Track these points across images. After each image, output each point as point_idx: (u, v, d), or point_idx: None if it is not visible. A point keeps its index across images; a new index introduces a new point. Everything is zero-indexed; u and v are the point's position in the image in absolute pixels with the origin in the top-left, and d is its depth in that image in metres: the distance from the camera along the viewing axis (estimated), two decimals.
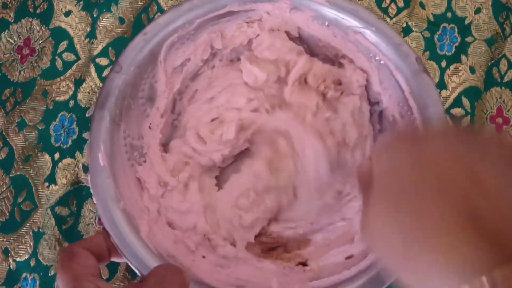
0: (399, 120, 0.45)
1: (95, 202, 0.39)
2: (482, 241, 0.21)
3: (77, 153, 0.52)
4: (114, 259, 0.37)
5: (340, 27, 0.46)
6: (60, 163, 0.51)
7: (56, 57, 0.54)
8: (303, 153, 0.44)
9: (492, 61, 0.54)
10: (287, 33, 0.49)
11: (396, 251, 0.24)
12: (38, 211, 0.50)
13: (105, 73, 0.54)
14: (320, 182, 0.44)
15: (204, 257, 0.42)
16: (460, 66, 0.54)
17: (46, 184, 0.51)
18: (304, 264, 0.43)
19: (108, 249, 0.36)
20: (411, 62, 0.43)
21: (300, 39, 0.50)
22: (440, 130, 0.26)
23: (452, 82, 0.53)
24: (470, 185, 0.23)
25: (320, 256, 0.43)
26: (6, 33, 0.55)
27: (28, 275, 0.49)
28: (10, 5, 0.56)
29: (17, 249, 0.49)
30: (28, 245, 0.49)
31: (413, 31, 0.55)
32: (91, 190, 0.39)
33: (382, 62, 0.45)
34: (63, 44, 0.55)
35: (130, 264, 0.37)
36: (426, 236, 0.23)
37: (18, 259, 0.49)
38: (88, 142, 0.41)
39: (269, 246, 0.46)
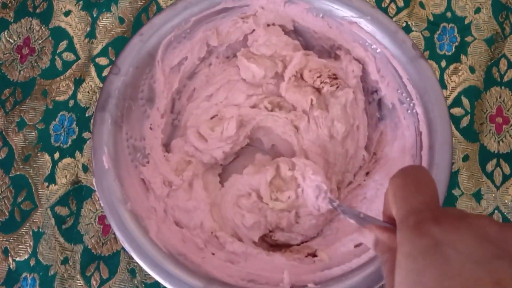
0: (398, 107, 0.45)
1: (101, 205, 0.39)
2: None
3: (77, 153, 0.52)
4: None
5: (335, 17, 0.46)
6: (60, 163, 0.51)
7: (56, 57, 0.54)
8: (304, 184, 0.44)
9: (492, 61, 0.54)
10: (282, 27, 0.49)
11: None
12: (38, 211, 0.50)
13: (105, 73, 0.54)
14: (318, 211, 0.44)
15: (213, 254, 0.42)
16: (460, 65, 0.54)
17: (46, 184, 0.51)
18: (314, 255, 0.43)
19: None
20: (407, 48, 0.44)
21: (295, 32, 0.50)
22: (462, 220, 0.24)
23: (452, 81, 0.53)
24: None
25: (329, 246, 0.43)
26: (5, 32, 0.55)
27: (28, 275, 0.49)
28: (9, 4, 0.56)
29: (17, 249, 0.49)
30: (28, 245, 0.49)
31: (412, 30, 0.55)
32: (97, 193, 0.40)
33: (378, 50, 0.45)
34: (63, 44, 0.55)
35: (144, 266, 0.38)
36: None
37: (18, 258, 0.49)
38: (91, 144, 0.41)
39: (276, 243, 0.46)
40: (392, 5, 0.56)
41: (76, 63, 0.54)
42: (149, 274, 0.38)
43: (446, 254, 0.23)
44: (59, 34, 0.55)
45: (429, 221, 0.24)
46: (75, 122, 0.52)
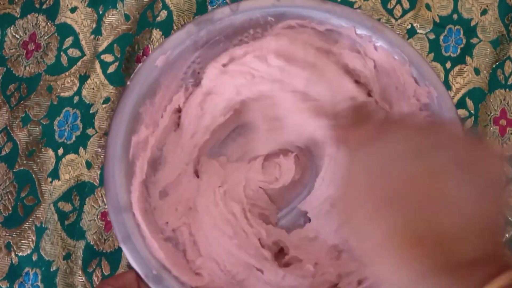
0: None
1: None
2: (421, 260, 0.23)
3: (81, 149, 0.52)
4: None
5: None
6: (63, 159, 0.51)
7: (61, 53, 0.55)
8: None
9: (497, 63, 0.54)
10: None
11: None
12: (41, 206, 0.50)
13: (110, 70, 0.54)
14: None
15: None
16: (465, 67, 0.54)
17: (50, 179, 0.51)
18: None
19: (139, 287, 0.37)
20: None
21: None
22: (404, 120, 0.28)
23: (457, 83, 0.53)
24: (423, 199, 0.24)
25: None
26: (12, 28, 0.56)
27: (30, 270, 0.49)
28: (16, 0, 0.56)
29: (20, 243, 0.49)
30: (30, 240, 0.49)
31: (417, 32, 0.55)
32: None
33: None
34: (69, 40, 0.55)
35: None
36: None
37: (20, 253, 0.49)
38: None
39: None
40: (398, 6, 0.56)
41: (81, 60, 0.54)
42: None
43: (386, 145, 0.27)
44: (65, 30, 0.55)
45: None
46: (79, 118, 0.52)
